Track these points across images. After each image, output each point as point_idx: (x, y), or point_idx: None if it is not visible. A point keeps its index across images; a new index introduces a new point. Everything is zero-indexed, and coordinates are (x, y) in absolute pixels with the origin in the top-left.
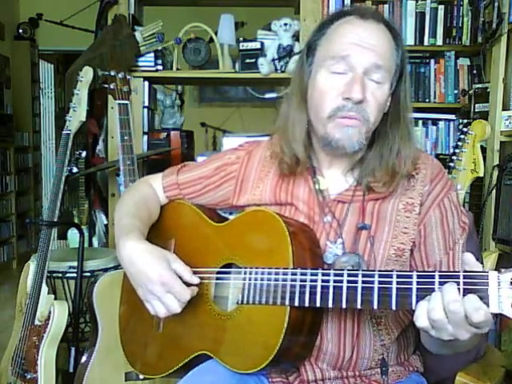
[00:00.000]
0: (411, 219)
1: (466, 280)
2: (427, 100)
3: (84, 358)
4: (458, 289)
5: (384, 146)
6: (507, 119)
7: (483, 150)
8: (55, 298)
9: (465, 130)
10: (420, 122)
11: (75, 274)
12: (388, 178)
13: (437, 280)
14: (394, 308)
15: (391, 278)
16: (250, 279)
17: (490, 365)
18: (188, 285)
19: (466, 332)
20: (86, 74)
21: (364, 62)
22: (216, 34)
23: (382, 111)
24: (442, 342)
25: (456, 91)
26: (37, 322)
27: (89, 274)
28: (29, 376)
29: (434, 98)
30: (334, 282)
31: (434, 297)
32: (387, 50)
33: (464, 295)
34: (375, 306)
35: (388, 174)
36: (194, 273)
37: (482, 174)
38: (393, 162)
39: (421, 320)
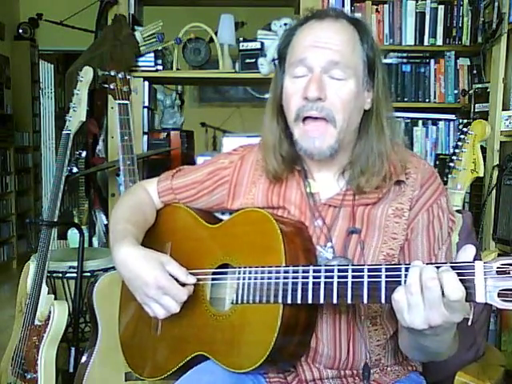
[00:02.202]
0: (401, 225)
1: (453, 270)
2: (427, 100)
3: (84, 358)
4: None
5: (367, 143)
6: (507, 119)
7: (483, 150)
8: (55, 298)
9: (465, 130)
10: (420, 121)
11: (75, 274)
12: (376, 178)
13: None
14: (383, 301)
15: (380, 271)
16: (244, 279)
17: (490, 364)
18: (184, 285)
19: (439, 316)
20: (86, 74)
21: (320, 60)
22: (216, 34)
23: (353, 108)
24: (417, 345)
25: (456, 91)
26: (37, 322)
27: (89, 274)
28: (29, 376)
29: (434, 97)
30: (325, 277)
31: (411, 273)
32: (346, 45)
33: None
34: (365, 300)
35: (376, 174)
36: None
37: (482, 174)
38: (373, 159)
39: (399, 293)
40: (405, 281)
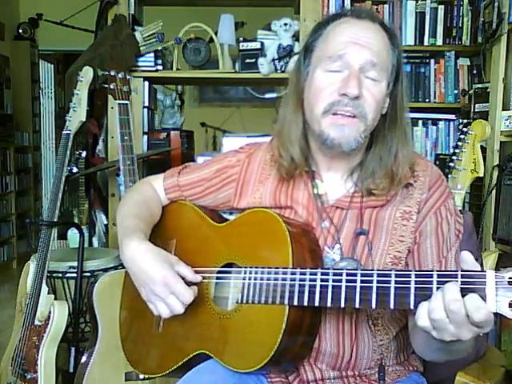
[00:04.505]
0: (408, 227)
1: (463, 279)
2: (427, 100)
3: (84, 358)
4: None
5: (383, 148)
6: (507, 119)
7: (483, 150)
8: (55, 298)
9: (465, 130)
10: (420, 121)
11: (75, 274)
12: (387, 181)
13: (435, 279)
14: (392, 307)
15: (390, 277)
16: (249, 279)
17: (490, 364)
18: (190, 285)
19: (469, 332)
20: (86, 74)
21: (360, 59)
22: (216, 34)
23: (379, 110)
24: (439, 346)
25: (456, 91)
26: (37, 322)
27: (89, 274)
28: (29, 376)
29: (434, 98)
30: (333, 281)
31: (434, 297)
32: (383, 48)
33: (463, 294)
34: (373, 306)
35: (388, 177)
36: (195, 272)
37: (481, 174)
38: (391, 163)
39: (422, 320)
40: (415, 288)
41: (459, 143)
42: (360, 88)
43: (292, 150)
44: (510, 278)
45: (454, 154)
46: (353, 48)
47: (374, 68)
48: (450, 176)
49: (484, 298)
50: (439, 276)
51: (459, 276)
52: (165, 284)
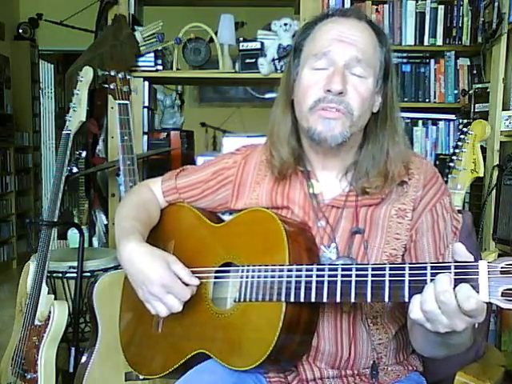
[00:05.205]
0: (403, 225)
1: (456, 270)
2: (427, 100)
3: (84, 358)
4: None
5: (375, 146)
6: (507, 119)
7: (483, 150)
8: (55, 298)
9: (465, 129)
10: (420, 121)
11: (75, 274)
12: (381, 179)
13: (429, 271)
14: (386, 300)
15: (384, 270)
16: (247, 277)
17: (490, 364)
18: (187, 285)
19: (461, 322)
20: (86, 74)
21: (345, 55)
22: (216, 34)
23: (367, 107)
24: (437, 340)
25: (456, 91)
26: (37, 322)
27: (89, 274)
28: (29, 376)
29: (434, 97)
30: (329, 276)
31: (426, 288)
32: (369, 44)
33: (455, 285)
34: (369, 299)
35: (381, 176)
36: (193, 273)
37: (482, 174)
38: (384, 161)
39: (414, 312)
40: (409, 280)
41: (459, 143)
42: (344, 84)
43: (281, 150)
44: (502, 268)
45: (454, 153)
46: (337, 45)
47: (360, 64)
48: (450, 176)
49: (477, 288)
50: (433, 268)
51: (452, 267)
52: (162, 284)
